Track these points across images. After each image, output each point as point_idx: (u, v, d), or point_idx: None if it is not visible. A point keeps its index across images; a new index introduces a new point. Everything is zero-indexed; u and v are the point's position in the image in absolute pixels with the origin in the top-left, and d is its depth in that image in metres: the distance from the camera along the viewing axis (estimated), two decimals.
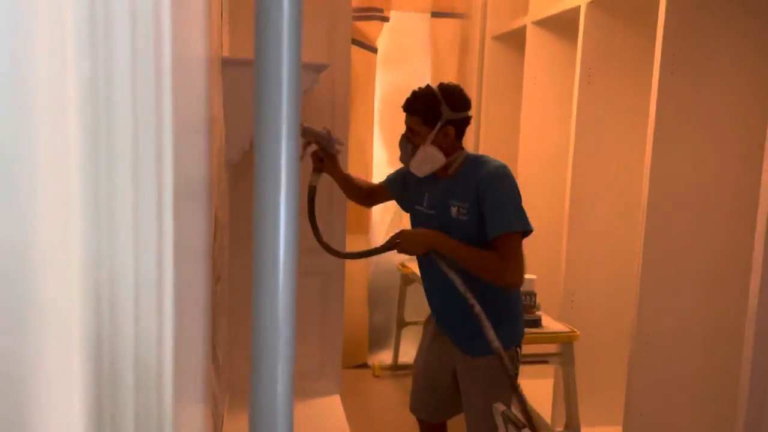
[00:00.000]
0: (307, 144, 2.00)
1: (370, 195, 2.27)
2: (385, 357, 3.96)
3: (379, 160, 3.87)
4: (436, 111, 1.85)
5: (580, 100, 2.74)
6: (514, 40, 3.52)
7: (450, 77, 3.79)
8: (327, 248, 2.09)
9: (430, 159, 1.88)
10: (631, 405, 2.33)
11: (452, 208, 1.88)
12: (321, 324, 2.56)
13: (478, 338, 1.78)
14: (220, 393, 1.20)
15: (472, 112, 1.94)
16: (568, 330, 2.45)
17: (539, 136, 3.28)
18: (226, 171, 1.64)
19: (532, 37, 3.22)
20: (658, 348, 2.31)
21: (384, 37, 3.72)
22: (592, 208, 2.80)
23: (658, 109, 2.22)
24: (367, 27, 3.61)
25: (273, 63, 0.44)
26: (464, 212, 1.85)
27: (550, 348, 2.51)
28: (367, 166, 3.74)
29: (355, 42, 3.54)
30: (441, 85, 1.91)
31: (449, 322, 1.98)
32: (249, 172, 2.26)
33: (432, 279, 1.99)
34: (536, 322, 2.47)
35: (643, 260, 2.28)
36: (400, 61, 3.89)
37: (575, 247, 2.81)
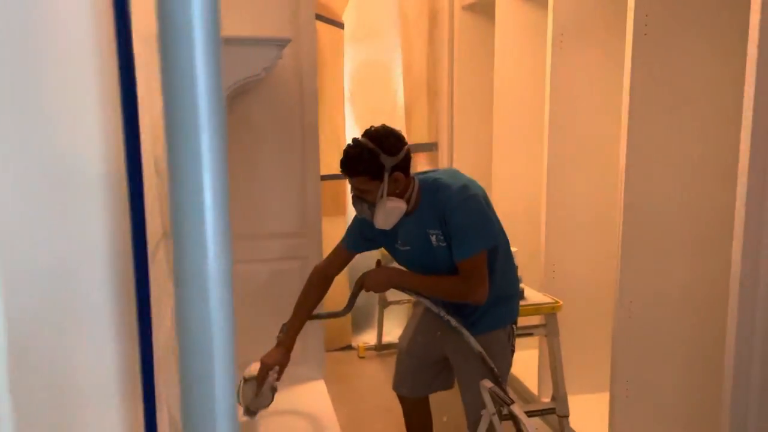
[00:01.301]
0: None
1: (328, 281, 2.14)
2: (369, 338, 3.93)
3: (352, 137, 3.80)
4: (377, 164, 1.77)
5: (553, 66, 2.69)
6: (484, 9, 3.45)
7: (420, 50, 3.72)
8: (332, 315, 2.20)
9: (392, 212, 1.82)
10: (616, 372, 2.32)
11: (431, 237, 1.87)
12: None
13: (470, 319, 1.85)
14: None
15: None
16: (551, 301, 2.43)
17: (513, 106, 3.23)
18: None
19: (502, 4, 3.15)
20: (642, 314, 2.30)
21: (350, 11, 3.62)
22: (569, 176, 2.77)
23: (632, 72, 2.17)
24: (332, 2, 3.50)
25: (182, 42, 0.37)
26: (442, 239, 1.86)
27: (534, 320, 2.49)
28: (340, 143, 3.66)
29: (320, 18, 3.43)
30: (369, 135, 1.82)
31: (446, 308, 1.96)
32: None
33: (415, 269, 1.99)
34: (519, 295, 2.44)
35: (623, 226, 2.25)
36: (368, 36, 3.79)
37: (555, 216, 2.78)
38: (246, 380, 1.95)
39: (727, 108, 2.15)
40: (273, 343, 2.51)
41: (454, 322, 1.83)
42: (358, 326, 3.99)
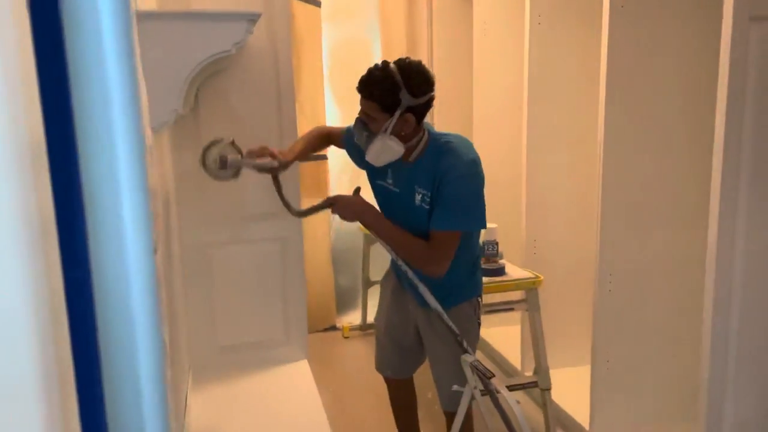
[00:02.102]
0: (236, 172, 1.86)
1: (329, 139, 2.09)
2: (353, 318, 3.94)
3: (332, 117, 3.77)
4: (395, 98, 1.65)
5: (531, 43, 2.68)
6: None
7: (399, 28, 3.68)
8: (288, 208, 1.98)
9: (387, 150, 1.71)
10: (597, 345, 2.35)
11: (417, 194, 1.78)
12: (282, 290, 2.50)
13: (437, 295, 1.77)
14: (168, 368, 1.12)
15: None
16: (531, 276, 2.44)
17: (492, 84, 3.21)
18: (156, 134, 1.53)
19: None
20: (621, 288, 2.32)
21: None
22: (549, 152, 2.77)
23: (609, 48, 2.17)
24: None
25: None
26: (427, 201, 1.76)
27: (516, 295, 2.51)
28: (320, 122, 3.63)
29: None
30: (401, 65, 1.68)
31: (409, 280, 1.94)
32: (192, 140, 2.14)
33: (386, 211, 1.91)
34: (499, 271, 2.45)
35: (601, 201, 2.26)
36: (346, 14, 3.75)
37: (535, 192, 2.79)
38: (233, 143, 1.82)
39: (702, 82, 2.16)
40: (255, 323, 2.50)
41: (410, 273, 1.75)
42: (342, 306, 4.00)
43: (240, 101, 2.30)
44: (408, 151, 1.76)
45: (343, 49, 3.76)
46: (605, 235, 2.27)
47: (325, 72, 3.67)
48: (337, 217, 3.88)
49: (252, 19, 1.49)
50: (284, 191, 1.93)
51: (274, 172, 1.87)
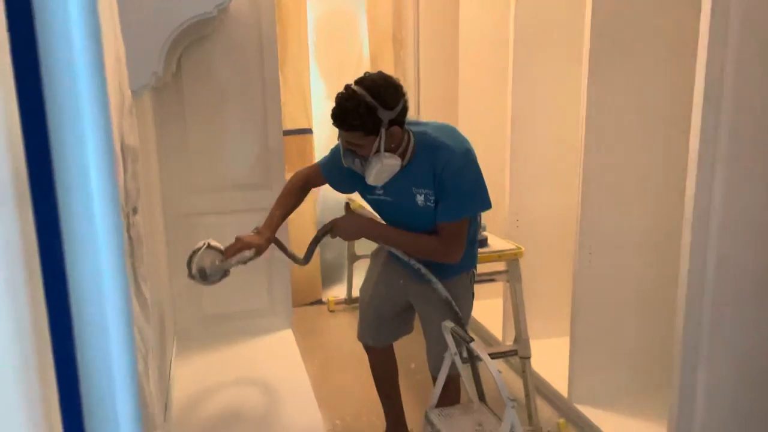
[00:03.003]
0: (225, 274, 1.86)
1: (308, 188, 2.05)
2: (339, 292, 3.96)
3: (317, 92, 3.75)
4: (375, 119, 1.64)
5: (516, 16, 2.68)
6: None
7: (385, 1, 3.66)
8: (294, 260, 2.01)
9: (386, 168, 1.71)
10: (576, 315, 2.39)
11: (418, 196, 1.80)
12: (267, 263, 2.51)
13: (436, 266, 1.83)
14: (151, 331, 1.14)
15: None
16: (513, 247, 2.47)
17: (478, 56, 3.21)
18: (138, 98, 1.52)
19: None
20: (601, 260, 2.36)
21: None
22: (533, 126, 2.79)
23: (593, 26, 2.18)
24: None
25: None
26: (431, 199, 1.78)
27: (498, 267, 2.54)
28: (306, 100, 3.62)
29: None
30: (366, 85, 1.66)
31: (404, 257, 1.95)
32: (175, 108, 2.13)
33: (389, 220, 1.95)
34: (482, 242, 2.48)
35: (583, 174, 2.29)
36: None
37: (518, 165, 2.81)
38: (209, 247, 1.83)
39: (685, 58, 2.17)
40: (240, 292, 2.51)
41: (424, 269, 1.81)
42: (328, 281, 4.02)
43: (223, 69, 2.29)
44: (401, 157, 1.76)
45: (328, 21, 3.73)
46: (585, 208, 2.30)
47: (311, 45, 3.65)
48: (322, 190, 3.91)
49: None
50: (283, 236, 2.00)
51: (258, 256, 1.86)
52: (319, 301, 3.90)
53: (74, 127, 0.50)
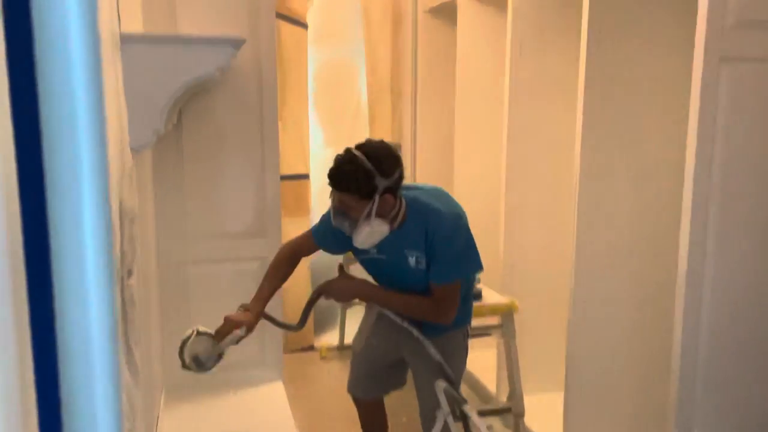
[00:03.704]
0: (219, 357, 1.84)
1: (297, 258, 2.06)
2: (331, 338, 3.92)
3: (316, 139, 3.79)
4: (371, 185, 1.67)
5: (512, 70, 2.74)
6: (447, 12, 3.48)
7: (384, 52, 3.74)
8: (286, 328, 2.03)
9: (374, 234, 1.74)
10: (571, 371, 2.37)
11: (410, 258, 1.82)
12: None
13: (430, 323, 1.84)
14: (140, 394, 1.13)
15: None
16: (507, 301, 2.47)
17: (474, 108, 3.27)
18: (137, 155, 1.54)
19: (464, 9, 3.19)
20: (595, 315, 2.35)
21: (314, 11, 3.62)
22: (528, 179, 2.81)
23: (586, 78, 2.23)
24: (295, 2, 3.49)
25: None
26: (422, 261, 1.80)
27: (492, 320, 2.53)
28: (304, 146, 3.66)
29: (283, 17, 3.42)
30: (366, 151, 1.70)
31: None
32: (173, 156, 2.14)
33: (382, 279, 1.96)
34: (477, 295, 2.48)
35: (577, 229, 2.30)
36: (332, 37, 3.79)
37: (513, 218, 2.82)
38: (199, 333, 1.80)
39: (678, 113, 2.22)
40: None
41: (416, 332, 1.82)
42: (320, 327, 3.99)
43: (223, 118, 2.32)
44: (391, 221, 1.78)
45: (328, 71, 3.80)
46: (579, 262, 2.31)
47: (311, 93, 3.71)
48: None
49: (236, 44, 1.51)
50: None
51: (250, 333, 1.86)
52: (311, 347, 3.86)
53: (72, 195, 0.50)
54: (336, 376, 3.51)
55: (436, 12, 3.58)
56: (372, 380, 2.15)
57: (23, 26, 0.47)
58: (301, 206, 3.70)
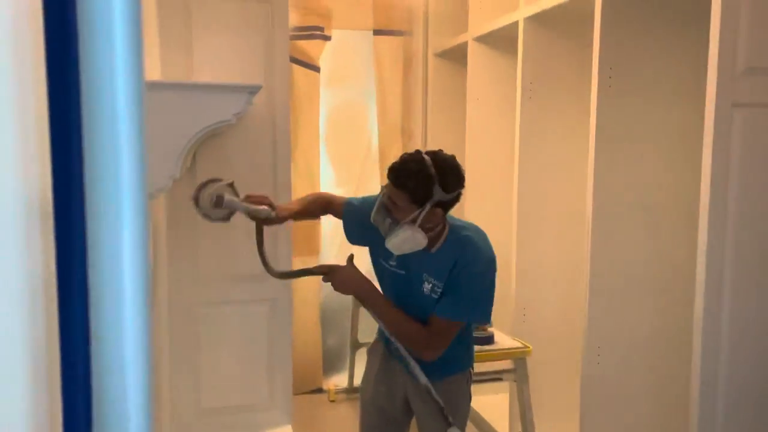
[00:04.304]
0: (230, 213, 1.81)
1: (327, 208, 2.02)
2: (340, 380, 3.87)
3: (327, 180, 3.82)
4: (427, 191, 1.63)
5: (522, 114, 2.76)
6: (457, 56, 3.54)
7: (395, 94, 3.79)
8: (266, 266, 1.90)
9: (410, 241, 1.67)
10: (585, 417, 2.32)
11: (426, 283, 1.77)
12: (269, 352, 2.47)
13: (432, 365, 1.78)
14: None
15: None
16: (520, 346, 2.43)
17: (485, 151, 3.29)
18: (151, 200, 1.55)
19: (474, 53, 3.24)
20: (610, 359, 2.31)
21: (326, 55, 3.69)
22: (539, 221, 2.81)
23: (597, 121, 2.24)
24: (308, 46, 3.56)
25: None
26: (437, 292, 1.76)
27: (504, 364, 2.49)
28: (315, 186, 3.68)
29: (296, 61, 3.49)
30: (436, 159, 1.67)
31: (399, 351, 1.92)
32: (187, 199, 2.15)
33: (389, 292, 1.90)
34: (489, 339, 2.45)
35: (590, 273, 2.28)
36: (343, 80, 3.85)
37: (524, 261, 2.81)
38: (231, 185, 1.76)
39: (690, 153, 2.22)
40: (240, 385, 2.46)
41: (423, 379, 1.75)
42: (329, 368, 3.94)
43: (236, 160, 2.34)
44: (429, 241, 1.72)
45: (339, 113, 3.85)
46: (593, 306, 2.28)
47: (322, 134, 3.75)
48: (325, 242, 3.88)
49: (252, 91, 1.54)
50: (266, 247, 1.88)
51: (267, 223, 1.82)
52: (320, 390, 3.81)
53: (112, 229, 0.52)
54: (345, 419, 3.45)
55: (446, 55, 3.64)
56: (384, 427, 2.10)
57: (71, 78, 0.49)
58: (312, 246, 3.70)
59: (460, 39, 3.36)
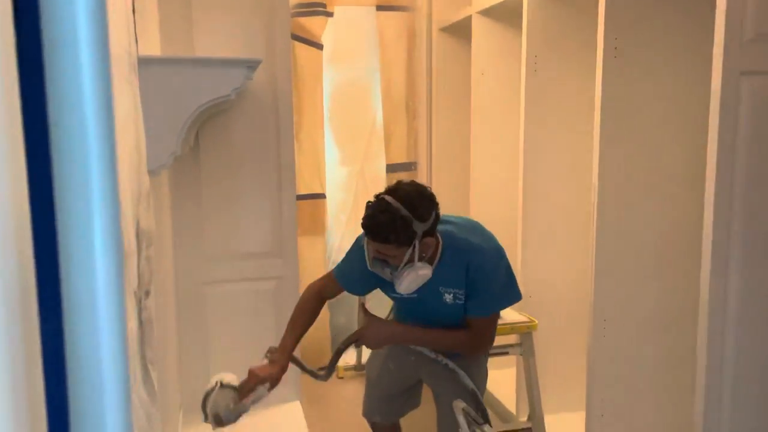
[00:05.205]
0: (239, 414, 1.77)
1: (321, 302, 2.00)
2: (348, 358, 3.90)
3: (332, 158, 3.81)
4: (409, 232, 1.62)
5: (527, 87, 2.73)
6: (461, 30, 3.50)
7: (399, 71, 3.76)
8: (312, 375, 1.97)
9: (419, 279, 1.68)
10: (592, 390, 2.33)
11: (446, 295, 1.78)
12: (276, 330, 2.48)
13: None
14: (157, 411, 1.12)
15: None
16: (526, 320, 2.44)
17: (490, 126, 3.26)
18: (155, 177, 1.55)
19: (478, 26, 3.19)
20: (616, 333, 2.31)
21: (329, 32, 3.65)
22: (545, 197, 2.79)
23: (603, 94, 2.21)
24: (310, 23, 3.53)
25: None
26: (460, 297, 1.77)
27: (510, 339, 2.50)
28: (320, 166, 3.67)
29: (298, 39, 3.46)
30: (400, 197, 1.63)
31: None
32: (191, 178, 2.16)
33: (412, 315, 1.91)
34: None
35: (596, 246, 2.27)
36: (347, 57, 3.82)
37: (531, 236, 2.80)
38: (222, 386, 1.75)
39: (696, 127, 2.20)
40: (249, 362, 2.48)
41: (451, 364, 1.79)
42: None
43: (239, 139, 2.34)
44: (429, 260, 1.74)
45: (343, 91, 3.83)
46: (599, 280, 2.28)
47: (326, 112, 3.73)
48: (333, 253, 3.90)
49: (251, 65, 1.53)
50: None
51: (273, 388, 1.82)
52: None
53: (82, 209, 0.50)
54: (354, 396, 3.48)
55: (450, 30, 3.60)
56: (390, 404, 2.12)
57: (35, 54, 0.48)
58: (318, 225, 3.70)
59: (464, 13, 3.32)
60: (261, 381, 1.77)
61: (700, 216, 1.80)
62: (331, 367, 1.91)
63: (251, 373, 1.79)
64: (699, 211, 1.82)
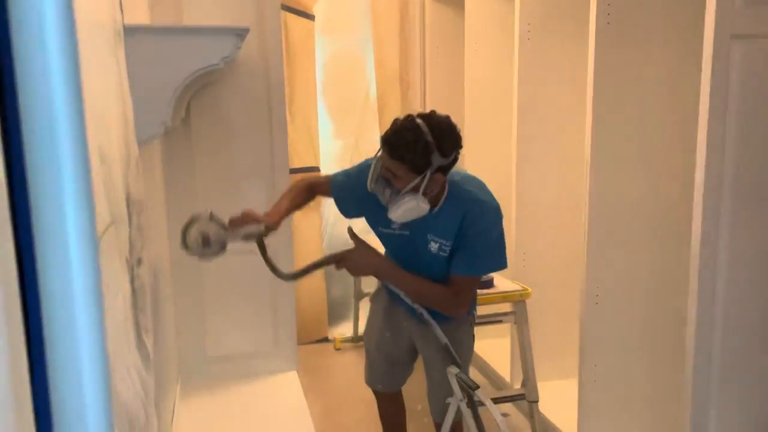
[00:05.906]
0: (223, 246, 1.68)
1: (313, 194, 1.96)
2: (345, 329, 3.94)
3: (325, 131, 3.79)
4: (426, 160, 1.56)
5: (521, 58, 2.72)
6: (454, 0, 3.46)
7: (392, 42, 3.72)
8: (274, 271, 1.82)
9: (415, 210, 1.62)
10: (584, 357, 2.36)
11: (432, 243, 1.74)
12: (271, 301, 2.51)
13: (435, 313, 1.80)
14: (152, 379, 1.14)
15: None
16: (519, 288, 2.46)
17: (484, 97, 3.25)
18: (146, 146, 1.55)
19: None
20: (608, 300, 2.34)
21: (321, 4, 3.61)
22: (538, 166, 2.80)
23: (595, 62, 2.20)
24: None
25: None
26: (446, 250, 1.73)
27: (504, 307, 2.52)
28: (313, 138, 3.66)
29: (289, 9, 3.42)
30: (431, 124, 1.58)
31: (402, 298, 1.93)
32: (183, 150, 2.16)
33: (396, 256, 1.89)
34: (489, 283, 2.47)
35: (589, 215, 2.29)
36: (339, 28, 3.79)
37: (524, 206, 2.81)
38: (212, 218, 1.66)
39: (689, 99, 2.19)
40: (245, 333, 2.51)
41: (426, 314, 1.76)
42: (334, 318, 4.00)
43: (231, 111, 2.33)
44: (430, 202, 1.67)
45: (336, 63, 3.80)
46: (592, 248, 2.29)
47: (319, 85, 3.71)
48: (328, 227, 3.92)
49: (240, 33, 1.52)
50: (270, 253, 1.80)
51: (261, 238, 1.73)
52: (326, 339, 3.88)
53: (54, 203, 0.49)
54: (350, 367, 3.53)
55: (443, 0, 3.56)
56: (391, 373, 2.15)
57: None
58: (314, 241, 3.70)
59: None
60: (255, 220, 1.70)
61: (693, 182, 1.81)
62: (300, 274, 1.79)
63: (246, 212, 1.71)
64: (691, 178, 1.83)
